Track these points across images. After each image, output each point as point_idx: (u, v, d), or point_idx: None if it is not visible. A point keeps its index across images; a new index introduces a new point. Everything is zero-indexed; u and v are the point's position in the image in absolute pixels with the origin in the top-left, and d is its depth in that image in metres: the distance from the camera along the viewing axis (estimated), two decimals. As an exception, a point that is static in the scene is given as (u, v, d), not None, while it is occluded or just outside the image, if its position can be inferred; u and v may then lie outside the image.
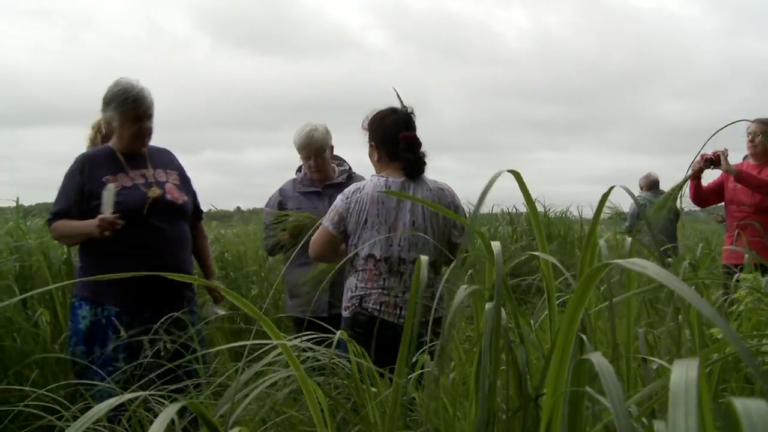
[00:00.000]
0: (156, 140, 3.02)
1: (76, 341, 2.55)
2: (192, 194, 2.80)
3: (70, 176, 2.59)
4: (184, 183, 2.76)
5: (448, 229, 2.45)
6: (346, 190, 2.47)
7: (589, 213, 7.25)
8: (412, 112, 2.49)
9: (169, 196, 2.62)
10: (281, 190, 3.23)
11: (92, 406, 1.97)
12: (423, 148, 2.47)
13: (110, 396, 2.12)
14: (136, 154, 2.65)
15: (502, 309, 1.11)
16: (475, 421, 1.17)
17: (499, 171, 1.00)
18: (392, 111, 2.48)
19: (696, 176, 3.94)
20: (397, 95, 2.48)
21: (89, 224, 2.46)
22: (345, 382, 1.45)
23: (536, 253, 1.12)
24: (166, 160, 2.77)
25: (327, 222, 2.43)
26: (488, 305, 1.07)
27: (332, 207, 2.46)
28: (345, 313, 2.41)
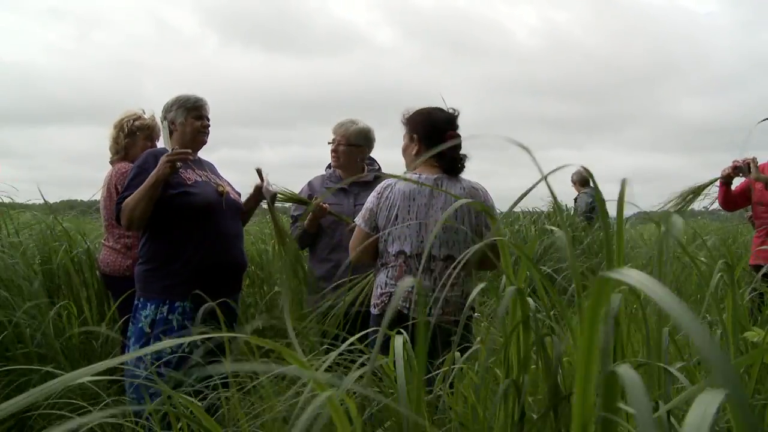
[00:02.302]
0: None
1: (134, 341, 2.59)
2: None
3: (141, 168, 2.67)
4: (233, 188, 2.96)
5: (481, 228, 2.43)
6: (378, 186, 2.47)
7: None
8: (458, 115, 2.50)
9: (231, 195, 2.82)
10: (310, 184, 3.29)
11: (121, 400, 1.99)
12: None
13: (147, 391, 2.13)
14: (193, 159, 2.81)
15: (531, 300, 1.09)
16: (504, 419, 1.16)
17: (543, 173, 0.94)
18: (439, 109, 2.49)
19: (725, 183, 3.84)
20: (443, 100, 2.51)
21: (152, 173, 2.54)
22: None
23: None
24: (215, 170, 2.97)
25: (360, 221, 2.43)
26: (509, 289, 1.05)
27: (365, 204, 2.46)
28: (374, 311, 2.39)
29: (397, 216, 2.35)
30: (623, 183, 0.95)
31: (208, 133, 2.86)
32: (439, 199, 2.37)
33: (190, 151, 2.61)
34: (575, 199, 7.18)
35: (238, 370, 1.55)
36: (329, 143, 3.22)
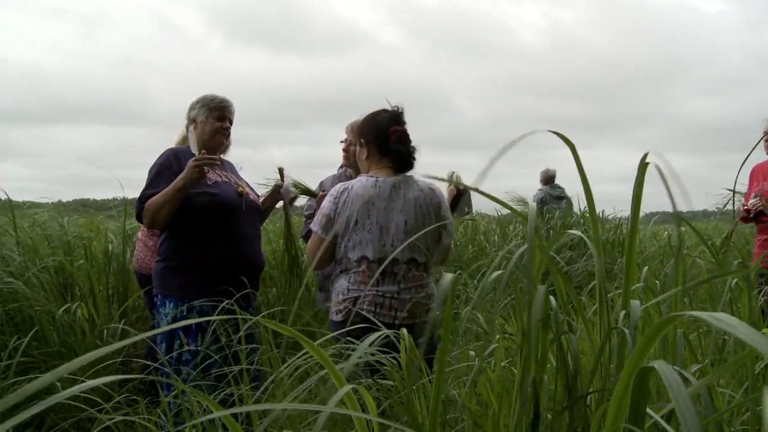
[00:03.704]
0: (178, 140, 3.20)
1: (160, 338, 2.60)
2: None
3: (162, 167, 2.67)
4: (251, 188, 2.96)
5: (439, 229, 2.42)
6: (333, 189, 2.45)
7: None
8: (402, 112, 2.47)
9: (251, 196, 2.81)
10: (321, 184, 3.35)
11: (135, 398, 2.01)
12: (429, 147, 2.50)
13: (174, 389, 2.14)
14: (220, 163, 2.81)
15: (552, 299, 1.09)
16: (518, 419, 1.16)
17: (532, 130, 0.96)
18: (383, 110, 2.48)
19: (742, 219, 3.96)
20: (387, 101, 2.50)
21: (180, 177, 2.54)
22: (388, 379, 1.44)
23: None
24: (234, 170, 2.97)
25: (315, 227, 2.40)
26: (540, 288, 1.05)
27: (320, 209, 2.44)
28: (337, 317, 2.35)
29: (356, 221, 2.33)
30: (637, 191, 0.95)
31: (227, 136, 2.83)
32: (397, 201, 2.35)
33: (216, 157, 2.61)
34: (534, 196, 7.79)
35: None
36: (341, 142, 3.24)
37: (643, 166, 1.03)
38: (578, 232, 1.20)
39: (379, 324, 2.04)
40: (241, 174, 3.00)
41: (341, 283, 2.37)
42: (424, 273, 2.39)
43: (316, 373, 1.27)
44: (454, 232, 2.44)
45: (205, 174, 2.57)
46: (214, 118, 2.78)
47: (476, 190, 0.96)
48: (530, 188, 7.86)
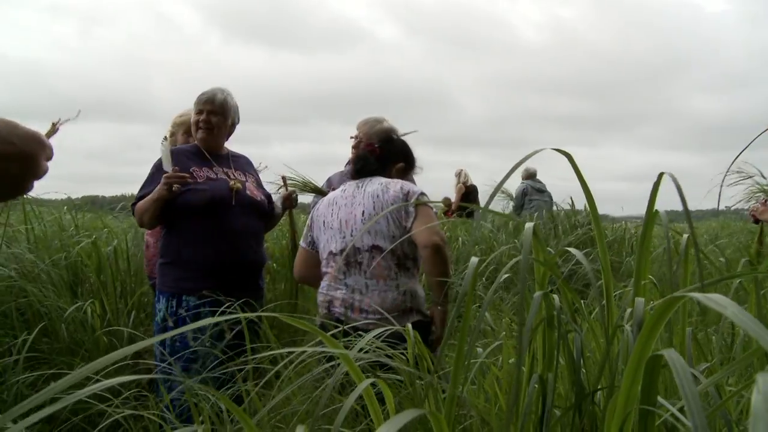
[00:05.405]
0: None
1: (155, 334, 2.64)
2: (267, 196, 2.97)
3: (157, 168, 2.71)
4: (260, 185, 2.96)
5: (400, 214, 2.40)
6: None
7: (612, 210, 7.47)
8: (390, 130, 2.70)
9: (249, 193, 2.79)
10: (329, 180, 3.38)
11: (144, 394, 2.02)
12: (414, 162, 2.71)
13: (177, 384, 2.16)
14: (218, 154, 2.84)
15: (557, 298, 1.09)
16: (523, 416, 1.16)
17: (537, 149, 0.98)
18: (376, 120, 2.79)
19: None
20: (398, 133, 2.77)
21: (156, 189, 2.58)
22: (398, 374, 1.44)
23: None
24: (245, 163, 2.98)
25: (302, 240, 2.59)
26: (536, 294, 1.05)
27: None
28: (317, 321, 2.41)
29: (324, 222, 2.48)
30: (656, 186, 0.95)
31: (203, 128, 2.78)
32: (357, 197, 2.45)
33: (187, 176, 2.61)
34: (517, 188, 8.51)
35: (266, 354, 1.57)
36: (351, 138, 3.25)
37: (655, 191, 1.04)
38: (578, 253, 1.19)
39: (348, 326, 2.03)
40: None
41: (321, 284, 2.46)
42: (394, 265, 2.34)
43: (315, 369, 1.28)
44: (428, 210, 2.39)
45: (177, 191, 2.57)
46: (195, 112, 2.81)
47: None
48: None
